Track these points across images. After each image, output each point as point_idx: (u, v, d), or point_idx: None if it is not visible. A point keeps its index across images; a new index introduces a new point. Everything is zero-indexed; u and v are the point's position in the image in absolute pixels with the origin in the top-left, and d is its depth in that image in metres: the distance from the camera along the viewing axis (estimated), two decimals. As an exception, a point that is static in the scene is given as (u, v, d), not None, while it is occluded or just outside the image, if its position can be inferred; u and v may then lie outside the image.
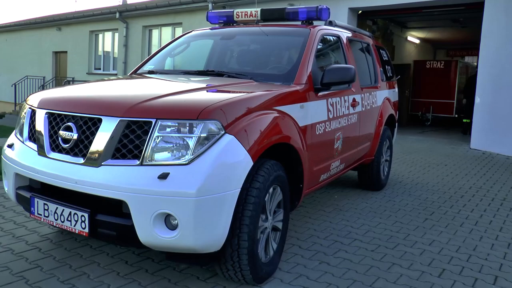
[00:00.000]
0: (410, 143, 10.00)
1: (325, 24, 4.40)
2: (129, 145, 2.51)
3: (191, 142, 2.46)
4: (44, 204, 2.72)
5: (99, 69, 17.49)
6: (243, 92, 2.92)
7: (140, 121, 2.52)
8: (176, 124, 2.49)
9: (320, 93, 3.65)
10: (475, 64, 19.54)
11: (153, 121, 2.49)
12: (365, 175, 5.43)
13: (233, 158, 2.52)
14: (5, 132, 9.65)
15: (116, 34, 16.60)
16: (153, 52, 13.67)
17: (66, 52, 18.41)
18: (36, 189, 2.92)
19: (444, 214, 4.63)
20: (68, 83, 14.69)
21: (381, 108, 5.34)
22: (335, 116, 3.91)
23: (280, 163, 3.02)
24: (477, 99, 9.12)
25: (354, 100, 4.39)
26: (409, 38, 17.29)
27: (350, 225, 4.17)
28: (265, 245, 2.92)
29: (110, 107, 2.62)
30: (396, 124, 6.16)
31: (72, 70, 17.98)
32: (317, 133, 3.59)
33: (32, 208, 2.79)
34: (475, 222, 4.42)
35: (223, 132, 2.53)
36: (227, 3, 12.44)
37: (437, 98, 14.16)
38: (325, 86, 3.62)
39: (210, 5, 12.67)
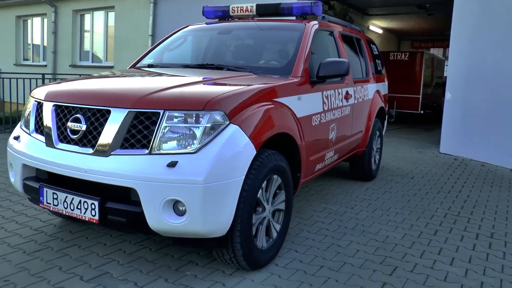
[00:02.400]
0: None
1: (318, 19, 4.53)
2: (137, 135, 2.62)
3: (198, 132, 2.57)
4: (53, 193, 2.81)
5: (27, 59, 15.62)
6: (245, 84, 3.04)
7: (148, 112, 2.62)
8: (183, 115, 2.60)
9: (315, 86, 3.79)
10: (441, 56, 19.25)
11: (161, 112, 2.59)
12: (357, 165, 5.59)
13: (237, 147, 2.64)
14: None
15: (45, 20, 14.55)
16: (85, 40, 13.30)
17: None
18: (43, 180, 3.01)
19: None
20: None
21: (372, 100, 5.50)
22: (329, 108, 4.05)
23: (279, 153, 3.14)
24: (447, 95, 7.96)
25: (347, 93, 4.54)
26: (371, 27, 16.14)
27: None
28: (267, 230, 3.05)
29: (119, 99, 2.72)
30: (386, 116, 6.33)
31: (-4, 61, 15.65)
32: (313, 124, 3.73)
33: (41, 198, 2.88)
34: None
35: (228, 122, 2.65)
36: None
37: (401, 93, 12.75)
38: (321, 79, 3.77)
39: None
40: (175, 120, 2.60)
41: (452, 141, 7.96)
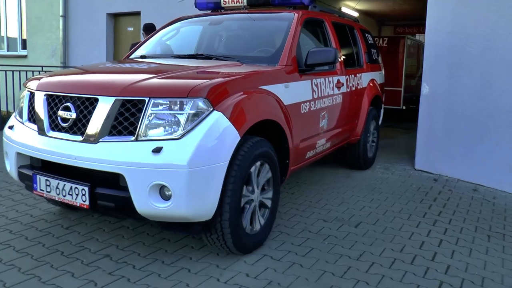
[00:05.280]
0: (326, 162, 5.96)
1: (309, 9, 4.58)
2: (124, 123, 2.70)
3: (182, 119, 2.65)
4: (46, 180, 2.90)
5: None
6: (230, 73, 3.11)
7: (134, 100, 2.70)
8: (168, 102, 2.68)
9: (304, 74, 3.85)
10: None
11: (146, 99, 2.68)
12: (352, 154, 5.65)
13: (221, 133, 2.71)
14: None
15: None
16: None
17: None
18: (37, 167, 3.10)
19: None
20: None
21: (366, 89, 5.54)
22: (319, 96, 4.11)
23: (268, 140, 3.22)
24: (424, 88, 5.65)
25: (338, 81, 4.59)
26: (344, 9, 12.70)
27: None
28: (251, 218, 3.12)
29: (106, 87, 2.81)
30: (383, 105, 6.37)
31: None
32: (302, 111, 3.79)
33: (34, 185, 2.98)
34: None
35: (211, 109, 2.72)
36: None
37: None
38: (309, 67, 3.83)
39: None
40: (160, 107, 2.68)
41: (431, 153, 5.63)
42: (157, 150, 2.57)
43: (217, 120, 2.71)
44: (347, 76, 4.88)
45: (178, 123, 2.65)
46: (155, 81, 2.84)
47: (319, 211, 4.06)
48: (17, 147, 3.12)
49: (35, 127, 3.07)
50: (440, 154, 5.55)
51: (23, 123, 3.21)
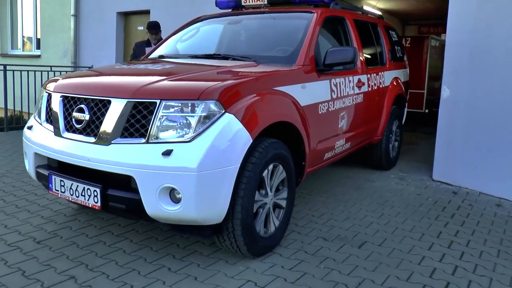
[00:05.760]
0: (337, 168, 5.63)
1: (330, 7, 4.49)
2: (136, 125, 2.70)
3: (193, 121, 2.62)
4: (61, 180, 2.94)
5: None
6: (244, 74, 3.07)
7: (146, 102, 2.70)
8: (179, 104, 2.66)
9: (323, 74, 3.77)
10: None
11: (158, 101, 2.66)
12: (373, 154, 5.53)
13: (232, 136, 2.67)
14: None
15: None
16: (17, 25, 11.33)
17: None
18: (53, 167, 3.14)
19: None
20: None
21: (389, 88, 5.40)
22: (338, 96, 4.02)
23: (282, 142, 3.17)
24: (445, 91, 5.15)
25: (359, 80, 4.49)
26: (367, 8, 11.73)
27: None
28: (265, 220, 3.08)
29: (118, 89, 2.82)
30: (406, 104, 6.21)
31: None
32: (320, 112, 3.72)
33: (50, 185, 3.02)
34: None
35: (223, 111, 2.68)
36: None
37: None
38: (328, 67, 3.75)
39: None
40: (171, 109, 2.66)
41: (450, 163, 5.13)
42: (167, 153, 2.55)
43: (229, 123, 2.68)
44: (369, 75, 4.77)
45: (189, 126, 2.63)
46: (167, 83, 2.83)
47: (321, 227, 3.66)
48: (35, 147, 3.17)
49: (51, 128, 3.11)
50: (460, 164, 5.02)
51: (41, 124, 3.26)
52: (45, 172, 3.08)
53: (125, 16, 9.35)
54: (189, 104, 2.65)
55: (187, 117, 2.64)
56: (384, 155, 5.49)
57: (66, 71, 8.83)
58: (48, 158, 3.16)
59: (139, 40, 7.43)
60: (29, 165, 3.31)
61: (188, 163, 2.53)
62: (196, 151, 2.56)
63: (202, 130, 2.62)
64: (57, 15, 10.29)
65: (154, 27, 6.36)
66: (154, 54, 4.37)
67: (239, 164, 2.69)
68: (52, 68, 8.44)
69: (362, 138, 4.89)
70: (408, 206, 4.29)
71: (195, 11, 7.17)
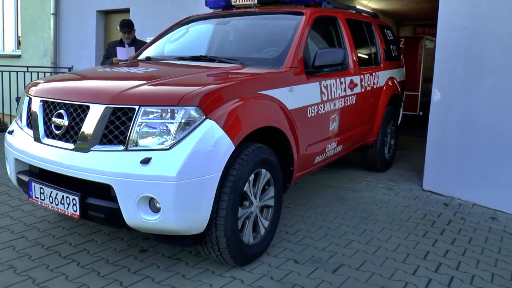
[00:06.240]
0: (322, 175, 5.34)
1: (322, 6, 4.40)
2: (115, 131, 2.62)
3: (173, 128, 2.54)
4: (40, 188, 2.86)
5: None
6: (227, 78, 2.99)
7: (125, 108, 2.62)
8: (159, 110, 2.58)
9: (312, 76, 3.68)
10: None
11: (137, 107, 2.58)
12: (368, 155, 5.45)
13: (213, 143, 2.59)
14: None
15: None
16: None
17: None
18: (35, 174, 3.07)
19: None
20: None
21: (384, 88, 5.31)
22: (329, 98, 3.93)
23: (269, 146, 3.09)
24: (436, 95, 4.76)
25: (351, 81, 4.39)
26: (359, 8, 10.26)
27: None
28: (254, 226, 3.01)
29: (97, 94, 2.74)
30: (402, 104, 6.12)
31: None
32: (309, 115, 3.63)
33: (30, 192, 2.94)
34: None
35: (204, 118, 2.60)
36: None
37: None
38: (317, 69, 3.65)
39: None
40: (151, 116, 2.58)
41: (442, 172, 4.75)
42: (146, 161, 2.48)
43: (210, 129, 2.59)
44: (362, 76, 4.67)
45: (168, 133, 2.55)
46: (146, 88, 2.74)
47: (294, 246, 3.29)
48: (15, 153, 3.10)
49: (31, 133, 3.03)
50: (453, 173, 4.63)
51: (21, 129, 3.19)
52: (25, 179, 3.00)
53: (106, 14, 9.04)
54: (169, 110, 2.57)
55: (167, 124, 2.56)
56: (379, 156, 5.41)
57: (44, 72, 8.66)
58: (30, 164, 3.09)
59: (112, 40, 7.12)
60: (10, 170, 3.24)
61: (166, 172, 2.45)
62: (175, 159, 2.48)
63: (181, 137, 2.53)
64: (38, 13, 9.90)
65: (126, 26, 5.88)
66: (142, 56, 4.29)
67: (221, 172, 2.61)
68: (29, 68, 8.23)
69: (356, 140, 4.80)
70: (394, 221, 3.91)
71: (176, 8, 7.03)
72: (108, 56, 5.96)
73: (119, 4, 8.39)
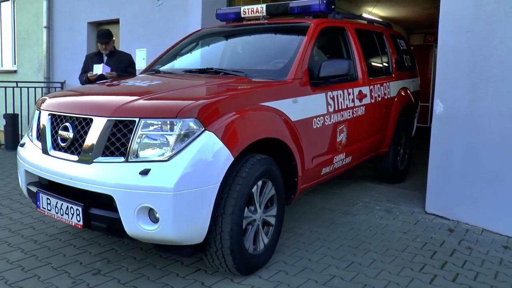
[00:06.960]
0: (315, 196, 4.88)
1: (331, 17, 4.41)
2: (116, 143, 2.69)
3: (171, 139, 2.59)
4: (47, 198, 2.94)
5: None
6: (228, 90, 3.02)
7: (126, 120, 2.68)
8: (158, 122, 2.63)
9: (318, 87, 3.68)
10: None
11: (137, 120, 2.64)
12: (381, 167, 5.39)
13: (212, 154, 2.62)
14: None
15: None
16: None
17: None
18: (44, 185, 3.16)
19: None
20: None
21: (396, 99, 5.26)
22: (336, 109, 3.92)
23: (272, 157, 3.10)
24: (438, 106, 4.27)
25: (360, 92, 4.37)
26: (365, 15, 10.85)
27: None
28: (254, 238, 3.02)
29: (99, 107, 2.82)
30: (416, 114, 6.04)
31: None
32: (315, 127, 3.63)
33: (38, 202, 3.04)
34: None
35: (202, 129, 2.64)
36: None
37: None
38: (322, 80, 3.66)
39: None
40: (151, 128, 2.64)
41: (447, 193, 4.21)
42: (145, 172, 2.52)
43: (208, 141, 2.63)
44: (371, 86, 4.65)
45: (167, 144, 2.60)
46: (147, 101, 2.81)
47: (263, 284, 2.82)
48: (25, 164, 3.20)
49: (40, 145, 3.13)
50: (459, 194, 4.09)
51: (32, 141, 3.29)
52: (34, 190, 3.10)
53: (97, 26, 8.69)
54: (168, 122, 2.62)
55: (166, 136, 2.61)
56: (392, 167, 5.34)
57: (35, 87, 8.52)
58: (39, 176, 3.18)
59: (90, 52, 6.82)
60: (21, 182, 3.35)
61: (164, 183, 2.49)
62: (173, 170, 2.52)
63: (180, 148, 2.58)
64: (32, 27, 9.64)
65: (103, 36, 5.38)
66: (151, 69, 4.37)
67: (219, 183, 2.64)
68: (18, 84, 8.11)
69: (366, 151, 4.76)
70: (388, 251, 3.38)
71: (165, 19, 6.98)
72: (85, 70, 5.52)
73: (109, 15, 8.12)
